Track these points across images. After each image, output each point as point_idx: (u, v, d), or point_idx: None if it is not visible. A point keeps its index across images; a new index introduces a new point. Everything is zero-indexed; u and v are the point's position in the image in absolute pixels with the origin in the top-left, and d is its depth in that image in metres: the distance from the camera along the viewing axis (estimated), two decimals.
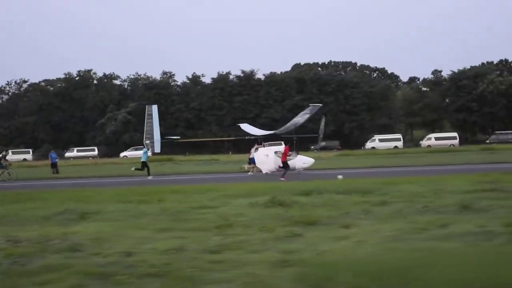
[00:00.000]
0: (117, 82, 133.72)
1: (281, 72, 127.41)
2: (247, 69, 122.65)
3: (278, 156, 38.12)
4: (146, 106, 48.18)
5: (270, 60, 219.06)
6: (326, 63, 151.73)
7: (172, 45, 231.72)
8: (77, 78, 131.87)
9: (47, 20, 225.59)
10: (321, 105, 40.46)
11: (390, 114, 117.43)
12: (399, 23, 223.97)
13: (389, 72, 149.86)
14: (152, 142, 45.13)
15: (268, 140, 45.57)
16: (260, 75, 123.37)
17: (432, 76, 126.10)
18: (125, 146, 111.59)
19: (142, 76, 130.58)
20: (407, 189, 20.69)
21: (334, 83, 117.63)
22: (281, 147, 39.50)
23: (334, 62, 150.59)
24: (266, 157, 39.08)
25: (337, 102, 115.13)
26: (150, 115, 45.85)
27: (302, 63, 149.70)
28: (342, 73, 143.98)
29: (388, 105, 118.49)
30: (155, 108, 46.35)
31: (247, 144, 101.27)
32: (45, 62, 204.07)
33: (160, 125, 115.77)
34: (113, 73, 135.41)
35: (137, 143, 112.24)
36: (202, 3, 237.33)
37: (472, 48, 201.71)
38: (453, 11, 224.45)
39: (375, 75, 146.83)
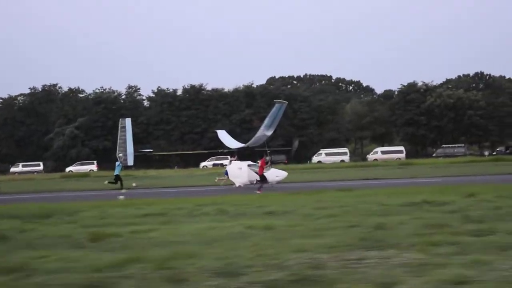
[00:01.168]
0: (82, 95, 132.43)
1: (257, 86, 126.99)
2: (205, 82, 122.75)
3: (252, 170, 38.60)
4: (120, 119, 47.21)
5: (245, 73, 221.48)
6: (302, 76, 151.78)
7: (143, 57, 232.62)
8: (40, 93, 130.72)
9: (14, 28, 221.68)
10: (286, 102, 39.11)
11: (339, 128, 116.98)
12: (377, 36, 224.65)
13: (364, 85, 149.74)
14: (125, 155, 44.07)
15: (240, 153, 44.59)
16: (209, 89, 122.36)
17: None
18: (73, 161, 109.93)
19: (107, 90, 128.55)
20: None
21: (283, 97, 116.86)
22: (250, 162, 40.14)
23: (310, 75, 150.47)
24: (239, 170, 39.25)
25: (286, 116, 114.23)
26: (124, 127, 45.05)
27: (277, 77, 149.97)
28: (317, 84, 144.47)
29: (336, 119, 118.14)
30: (128, 121, 45.53)
31: (196, 158, 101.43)
32: (10, 76, 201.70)
33: (107, 139, 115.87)
34: (78, 87, 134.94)
35: (85, 158, 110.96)
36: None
37: (450, 60, 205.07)
38: (432, 25, 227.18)
39: (350, 88, 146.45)
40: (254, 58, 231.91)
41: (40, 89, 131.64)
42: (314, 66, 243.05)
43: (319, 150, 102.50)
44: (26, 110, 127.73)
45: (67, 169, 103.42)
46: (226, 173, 41.23)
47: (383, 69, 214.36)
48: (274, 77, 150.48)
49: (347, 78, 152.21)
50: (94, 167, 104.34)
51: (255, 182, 37.60)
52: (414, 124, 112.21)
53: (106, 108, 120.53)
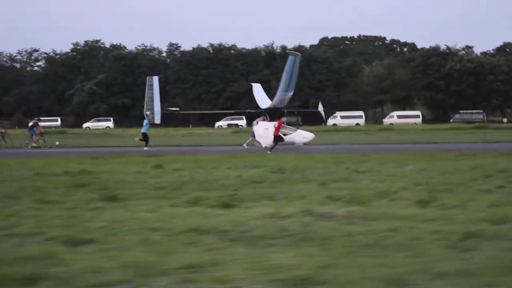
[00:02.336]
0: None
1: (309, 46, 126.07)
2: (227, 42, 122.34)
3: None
4: (147, 77, 47.76)
5: (299, 33, 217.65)
6: (356, 37, 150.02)
7: (182, 15, 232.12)
8: (83, 48, 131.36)
9: None
10: (299, 54, 38.59)
11: (357, 90, 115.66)
12: None
13: (419, 47, 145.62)
14: (153, 113, 44.10)
15: (270, 114, 42.57)
16: (229, 47, 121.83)
17: (463, 52, 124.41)
18: (91, 117, 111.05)
19: (148, 47, 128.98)
20: None
21: (302, 58, 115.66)
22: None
23: (364, 36, 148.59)
24: (266, 131, 38.36)
25: (304, 78, 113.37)
26: (151, 85, 45.13)
27: (329, 37, 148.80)
28: (371, 48, 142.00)
29: (355, 81, 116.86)
30: (156, 79, 45.79)
31: (213, 118, 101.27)
32: (55, 32, 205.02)
33: (126, 96, 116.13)
34: (120, 43, 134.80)
35: (103, 114, 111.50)
36: None
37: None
38: None
39: (405, 49, 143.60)
40: (307, 17, 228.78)
41: (82, 45, 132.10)
42: (369, 28, 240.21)
43: (335, 113, 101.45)
44: (68, 66, 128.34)
45: (84, 125, 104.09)
46: (253, 134, 40.44)
47: (436, 31, 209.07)
48: (327, 37, 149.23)
49: (402, 40, 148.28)
50: (110, 123, 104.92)
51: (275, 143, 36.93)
52: (433, 88, 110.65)
53: (125, 66, 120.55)
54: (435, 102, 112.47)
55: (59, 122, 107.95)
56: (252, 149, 38.00)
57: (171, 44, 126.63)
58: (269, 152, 33.45)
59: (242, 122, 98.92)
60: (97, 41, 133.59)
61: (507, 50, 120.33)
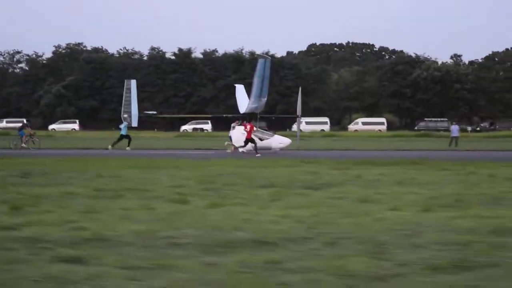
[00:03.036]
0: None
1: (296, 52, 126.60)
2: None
3: (256, 136, 37.96)
4: (125, 80, 47.53)
5: (286, 39, 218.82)
6: (344, 43, 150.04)
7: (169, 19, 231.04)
8: (65, 51, 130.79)
9: None
10: (269, 57, 38.29)
11: (324, 97, 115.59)
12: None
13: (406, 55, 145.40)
14: (130, 116, 44.10)
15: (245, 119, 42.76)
16: (198, 54, 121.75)
17: (451, 60, 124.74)
18: (58, 120, 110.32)
19: (130, 50, 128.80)
20: None
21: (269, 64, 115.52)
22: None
23: (352, 43, 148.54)
24: (243, 135, 37.86)
25: (271, 83, 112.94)
26: (129, 89, 45.24)
27: (317, 43, 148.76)
28: (358, 54, 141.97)
29: (322, 88, 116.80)
30: (133, 82, 45.94)
31: (179, 122, 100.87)
32: (37, 34, 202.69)
33: (95, 99, 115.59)
34: (101, 46, 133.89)
35: (71, 117, 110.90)
36: None
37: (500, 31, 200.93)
38: None
39: (393, 57, 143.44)
40: (294, 24, 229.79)
41: (63, 48, 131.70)
42: (358, 35, 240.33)
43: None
44: (49, 68, 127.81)
45: (50, 127, 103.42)
46: (230, 138, 40.31)
47: (425, 37, 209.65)
48: (315, 43, 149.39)
49: (390, 48, 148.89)
50: (76, 126, 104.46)
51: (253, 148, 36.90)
52: (399, 96, 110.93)
53: (95, 68, 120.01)
54: (402, 110, 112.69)
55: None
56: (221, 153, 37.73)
57: (153, 48, 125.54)
58: (257, 155, 33.64)
59: (208, 126, 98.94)
60: (79, 43, 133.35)
61: (496, 59, 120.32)
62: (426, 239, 9.07)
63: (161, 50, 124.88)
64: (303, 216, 11.16)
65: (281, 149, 39.45)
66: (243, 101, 45.68)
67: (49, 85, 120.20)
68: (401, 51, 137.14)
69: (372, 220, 10.82)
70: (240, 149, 37.84)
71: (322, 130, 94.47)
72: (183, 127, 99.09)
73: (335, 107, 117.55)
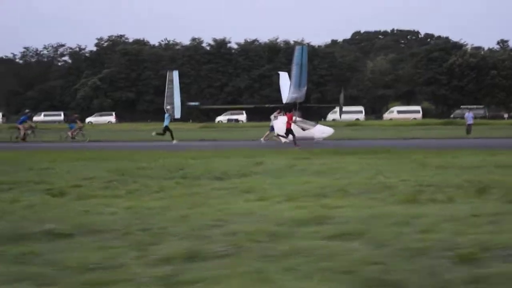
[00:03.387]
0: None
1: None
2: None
3: (298, 126, 37.85)
4: (167, 71, 48.84)
5: (330, 27, 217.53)
6: (389, 31, 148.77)
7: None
8: (106, 44, 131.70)
9: None
10: (305, 44, 38.35)
11: (358, 85, 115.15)
12: None
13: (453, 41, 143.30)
14: (173, 108, 45.13)
15: (286, 109, 41.80)
16: (233, 44, 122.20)
17: (498, 46, 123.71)
18: (95, 112, 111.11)
19: (171, 41, 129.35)
20: None
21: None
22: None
23: (397, 30, 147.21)
24: (285, 126, 37.52)
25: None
26: (171, 80, 46.24)
27: (362, 31, 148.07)
28: (403, 41, 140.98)
29: (356, 76, 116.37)
30: (175, 74, 46.69)
31: (216, 112, 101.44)
32: (79, 28, 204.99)
33: (130, 90, 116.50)
34: (143, 38, 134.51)
35: (107, 109, 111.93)
36: None
37: None
38: None
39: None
40: (338, 10, 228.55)
41: (105, 40, 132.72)
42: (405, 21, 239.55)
43: (334, 108, 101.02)
44: (90, 60, 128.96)
45: (87, 120, 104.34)
46: (272, 129, 40.11)
47: (473, 24, 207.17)
48: (359, 31, 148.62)
49: (436, 34, 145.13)
50: (112, 118, 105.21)
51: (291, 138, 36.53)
52: (435, 83, 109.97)
53: (130, 60, 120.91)
54: (437, 97, 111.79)
55: (62, 117, 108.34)
56: (269, 143, 37.94)
57: (193, 39, 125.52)
58: (296, 147, 32.73)
59: (242, 117, 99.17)
60: (121, 36, 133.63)
61: None
62: (213, 232, 9.23)
63: (202, 41, 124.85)
64: (149, 207, 11.58)
65: (324, 138, 39.07)
66: (287, 89, 45.17)
67: (86, 77, 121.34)
68: (447, 38, 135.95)
69: (208, 212, 10.96)
70: (283, 140, 37.74)
71: (357, 119, 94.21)
72: (218, 118, 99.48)
73: (370, 95, 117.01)
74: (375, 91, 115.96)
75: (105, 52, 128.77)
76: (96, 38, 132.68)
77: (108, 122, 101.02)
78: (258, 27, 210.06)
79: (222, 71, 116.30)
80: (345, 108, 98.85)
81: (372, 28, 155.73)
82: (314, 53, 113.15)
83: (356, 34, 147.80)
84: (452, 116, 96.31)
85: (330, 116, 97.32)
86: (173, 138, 40.82)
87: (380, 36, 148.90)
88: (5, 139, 44.18)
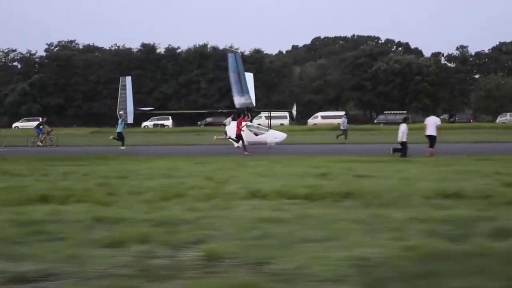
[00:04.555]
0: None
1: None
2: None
3: (251, 131, 38.20)
4: (120, 77, 48.58)
5: (290, 33, 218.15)
6: (349, 37, 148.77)
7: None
8: (57, 49, 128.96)
9: None
10: (237, 51, 38.19)
11: (285, 91, 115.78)
12: None
13: (412, 47, 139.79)
14: (126, 113, 44.56)
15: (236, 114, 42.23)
16: (161, 50, 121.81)
17: (457, 52, 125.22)
18: (23, 117, 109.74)
19: (121, 47, 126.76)
20: None
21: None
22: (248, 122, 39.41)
23: (358, 35, 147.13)
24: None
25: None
26: (124, 86, 45.98)
27: (322, 37, 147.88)
28: (362, 47, 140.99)
29: (284, 82, 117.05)
30: (128, 79, 46.47)
31: (140, 117, 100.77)
32: (31, 32, 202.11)
33: (59, 96, 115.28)
34: (93, 43, 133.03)
35: (36, 115, 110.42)
36: None
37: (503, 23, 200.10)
38: None
39: (400, 49, 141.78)
40: (296, 17, 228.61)
41: (54, 45, 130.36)
42: (362, 27, 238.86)
43: (259, 113, 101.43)
44: (41, 65, 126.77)
45: (13, 125, 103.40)
46: (225, 133, 40.15)
47: (431, 31, 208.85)
48: (319, 37, 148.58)
49: (396, 40, 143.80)
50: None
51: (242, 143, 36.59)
52: (360, 89, 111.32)
53: (59, 66, 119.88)
54: (364, 103, 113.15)
55: None
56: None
57: (143, 45, 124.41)
58: (245, 153, 33.23)
59: (168, 122, 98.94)
60: (72, 41, 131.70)
61: (503, 49, 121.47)
62: None
63: (154, 46, 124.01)
64: None
65: (277, 143, 39.16)
66: (251, 88, 45.42)
67: (15, 82, 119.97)
68: (407, 43, 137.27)
69: None
70: (236, 144, 37.63)
71: (282, 124, 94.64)
72: (144, 123, 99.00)
73: (298, 100, 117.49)
74: (303, 97, 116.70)
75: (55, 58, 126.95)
76: (46, 43, 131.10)
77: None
78: (197, 32, 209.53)
79: (151, 76, 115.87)
80: (273, 114, 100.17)
81: (331, 34, 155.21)
82: (243, 59, 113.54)
83: (316, 39, 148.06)
84: (375, 121, 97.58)
85: (255, 122, 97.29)
86: (123, 144, 41.39)
87: (340, 42, 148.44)
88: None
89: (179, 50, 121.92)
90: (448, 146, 34.69)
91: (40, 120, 49.70)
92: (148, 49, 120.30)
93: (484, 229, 9.40)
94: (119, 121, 42.99)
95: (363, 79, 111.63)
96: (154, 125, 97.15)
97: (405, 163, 23.51)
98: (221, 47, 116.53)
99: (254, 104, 43.61)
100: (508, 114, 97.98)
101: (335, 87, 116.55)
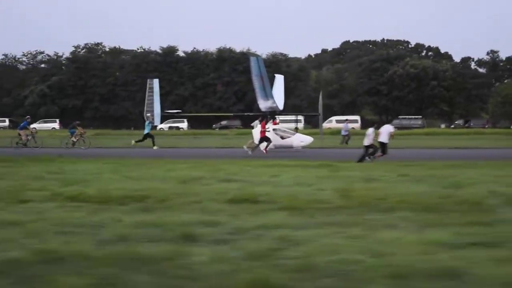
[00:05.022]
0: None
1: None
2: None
3: (277, 134, 38.18)
4: (148, 80, 48.12)
5: (319, 38, 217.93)
6: (379, 40, 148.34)
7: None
8: (83, 51, 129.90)
9: None
10: (259, 55, 38.17)
11: (301, 95, 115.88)
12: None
13: (442, 51, 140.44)
14: (153, 115, 44.99)
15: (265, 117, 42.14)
16: (180, 53, 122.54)
17: (488, 57, 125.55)
18: (42, 118, 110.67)
19: (146, 49, 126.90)
20: None
21: (247, 62, 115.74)
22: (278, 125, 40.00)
23: (387, 39, 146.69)
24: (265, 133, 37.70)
25: (249, 81, 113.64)
26: (151, 88, 45.78)
27: (351, 41, 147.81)
28: (392, 51, 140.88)
29: (300, 86, 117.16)
30: (156, 82, 46.34)
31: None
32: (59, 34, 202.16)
33: (78, 98, 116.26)
34: (119, 46, 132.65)
35: (54, 116, 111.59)
36: None
37: None
38: None
39: (430, 53, 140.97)
40: (327, 20, 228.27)
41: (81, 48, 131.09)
42: (393, 31, 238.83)
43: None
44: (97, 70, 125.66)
45: (31, 126, 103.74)
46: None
47: (462, 35, 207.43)
48: (348, 41, 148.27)
49: (426, 44, 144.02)
50: (56, 125, 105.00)
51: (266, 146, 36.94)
52: (376, 93, 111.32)
53: (79, 68, 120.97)
54: (380, 107, 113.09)
55: (7, 123, 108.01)
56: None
57: (168, 47, 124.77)
58: (264, 152, 34.25)
59: (184, 125, 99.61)
60: (98, 43, 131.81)
61: None
62: None
63: (177, 49, 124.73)
64: None
65: (303, 147, 39.16)
66: (278, 96, 45.33)
67: (34, 84, 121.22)
68: (437, 48, 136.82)
69: None
70: (261, 148, 37.35)
71: (296, 128, 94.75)
72: (160, 125, 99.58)
73: (314, 105, 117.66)
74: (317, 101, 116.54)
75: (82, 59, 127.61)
76: (73, 46, 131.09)
77: (52, 128, 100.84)
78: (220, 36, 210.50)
79: (168, 79, 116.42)
80: (285, 117, 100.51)
81: (361, 38, 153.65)
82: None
83: (345, 43, 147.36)
84: None
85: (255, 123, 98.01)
86: (154, 144, 42.33)
87: (369, 46, 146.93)
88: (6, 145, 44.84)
89: (198, 52, 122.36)
90: (403, 152, 35.85)
91: (75, 122, 49.03)
92: (167, 51, 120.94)
93: None
94: (146, 123, 44.16)
95: (379, 83, 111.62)
96: (170, 127, 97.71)
97: (303, 168, 23.48)
98: (238, 50, 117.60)
99: (282, 108, 43.32)
100: None
101: (351, 92, 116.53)
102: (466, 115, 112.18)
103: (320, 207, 12.52)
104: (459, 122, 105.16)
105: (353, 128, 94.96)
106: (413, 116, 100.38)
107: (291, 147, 38.46)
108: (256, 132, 38.37)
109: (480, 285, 7.08)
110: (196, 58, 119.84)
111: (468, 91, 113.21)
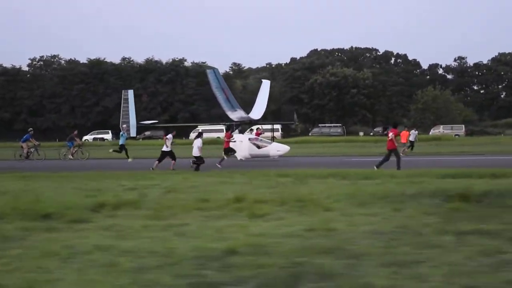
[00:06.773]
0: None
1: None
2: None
3: (254, 143, 38.28)
4: (122, 90, 48.76)
5: (289, 45, 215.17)
6: (347, 49, 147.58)
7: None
8: (39, 64, 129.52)
9: None
10: (215, 67, 38.09)
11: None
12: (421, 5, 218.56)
13: (410, 58, 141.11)
14: (128, 126, 44.89)
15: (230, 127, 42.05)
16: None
17: (455, 63, 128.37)
18: None
19: (100, 59, 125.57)
20: None
21: (174, 73, 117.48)
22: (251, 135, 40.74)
23: (356, 47, 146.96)
24: (240, 144, 37.99)
25: (174, 91, 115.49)
26: (126, 99, 46.05)
27: (319, 49, 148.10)
28: (360, 59, 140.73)
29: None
30: (131, 92, 46.70)
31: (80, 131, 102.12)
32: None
33: (6, 111, 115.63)
34: (74, 58, 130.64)
35: None
36: None
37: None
38: None
39: (399, 61, 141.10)
40: (296, 29, 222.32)
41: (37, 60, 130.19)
42: (361, 40, 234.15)
43: (197, 127, 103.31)
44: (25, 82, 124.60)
45: None
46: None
47: (430, 42, 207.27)
48: (316, 49, 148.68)
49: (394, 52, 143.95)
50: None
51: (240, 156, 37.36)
52: (297, 102, 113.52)
53: (7, 81, 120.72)
54: (301, 116, 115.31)
55: None
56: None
57: (124, 58, 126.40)
58: (218, 165, 33.10)
59: (108, 136, 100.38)
60: (55, 56, 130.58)
61: (501, 60, 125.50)
62: None
63: (132, 60, 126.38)
64: None
65: (280, 156, 39.06)
66: (259, 102, 46.58)
67: None
68: (405, 55, 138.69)
69: None
70: (238, 157, 37.81)
71: (218, 137, 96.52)
72: (85, 137, 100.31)
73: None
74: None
75: (40, 72, 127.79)
76: (29, 58, 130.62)
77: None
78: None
79: (93, 90, 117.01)
80: (208, 127, 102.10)
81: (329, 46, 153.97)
82: (185, 73, 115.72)
83: (313, 52, 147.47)
84: (310, 134, 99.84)
85: (193, 135, 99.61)
86: (128, 157, 41.74)
87: (337, 54, 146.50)
88: (8, 157, 44.72)
89: (125, 63, 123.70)
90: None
91: (73, 133, 47.92)
92: (94, 63, 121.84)
93: None
94: (121, 133, 43.66)
95: (301, 92, 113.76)
96: (94, 139, 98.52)
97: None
98: (164, 62, 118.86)
99: (260, 116, 44.17)
100: (442, 126, 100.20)
101: (274, 101, 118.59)
102: (387, 123, 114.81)
103: None
104: (378, 129, 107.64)
105: (274, 137, 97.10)
106: (332, 124, 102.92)
107: (267, 156, 38.39)
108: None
109: None
110: (121, 69, 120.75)
111: (388, 98, 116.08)
